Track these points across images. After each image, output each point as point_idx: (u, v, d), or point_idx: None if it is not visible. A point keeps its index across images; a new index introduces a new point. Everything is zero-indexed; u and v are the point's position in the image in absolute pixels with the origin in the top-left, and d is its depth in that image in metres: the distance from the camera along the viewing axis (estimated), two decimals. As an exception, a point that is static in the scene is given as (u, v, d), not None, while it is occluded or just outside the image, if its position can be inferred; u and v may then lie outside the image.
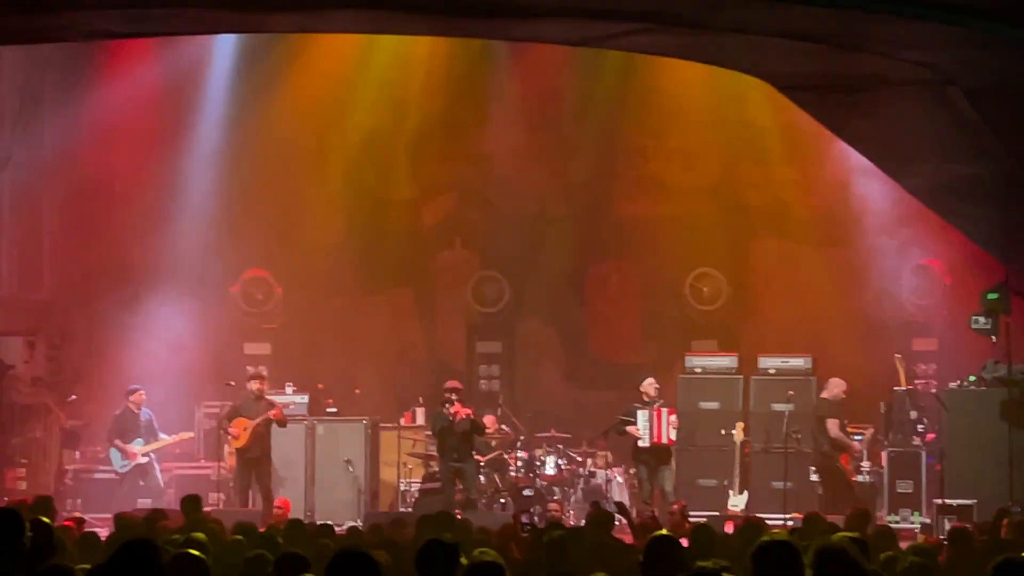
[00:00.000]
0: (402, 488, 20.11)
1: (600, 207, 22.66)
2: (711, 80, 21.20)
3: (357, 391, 21.64)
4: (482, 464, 19.31)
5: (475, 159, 22.60)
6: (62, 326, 21.78)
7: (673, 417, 18.79)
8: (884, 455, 19.12)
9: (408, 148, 22.57)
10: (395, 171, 22.67)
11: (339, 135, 22.27)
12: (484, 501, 19.03)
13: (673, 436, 18.77)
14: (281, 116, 22.09)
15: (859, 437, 19.38)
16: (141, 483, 19.37)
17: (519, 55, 21.83)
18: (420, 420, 21.00)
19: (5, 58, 20.70)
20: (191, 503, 13.56)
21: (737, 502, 19.12)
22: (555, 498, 18.98)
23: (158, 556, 5.27)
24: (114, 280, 21.69)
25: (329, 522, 13.93)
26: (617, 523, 12.48)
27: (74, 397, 20.99)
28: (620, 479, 20.10)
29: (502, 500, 19.25)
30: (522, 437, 20.26)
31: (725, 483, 19.51)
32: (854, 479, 19.01)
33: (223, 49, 21.99)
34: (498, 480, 19.57)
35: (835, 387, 19.06)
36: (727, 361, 20.68)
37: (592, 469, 20.17)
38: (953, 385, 18.93)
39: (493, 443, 19.98)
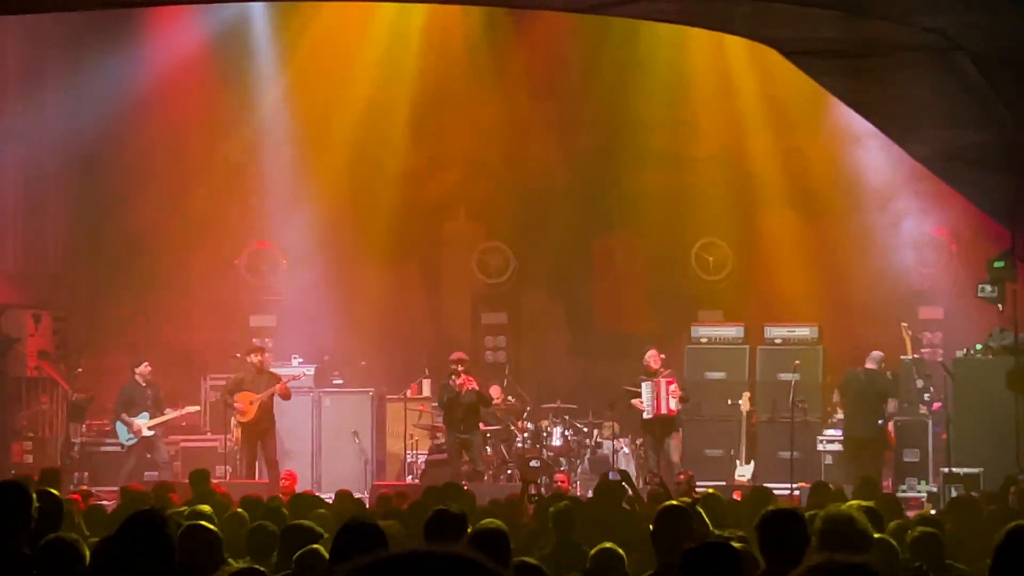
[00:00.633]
0: (408, 459, 20.13)
1: (605, 178, 22.59)
2: (717, 49, 21.12)
3: (363, 363, 21.63)
4: (488, 435, 19.31)
5: (480, 130, 22.52)
6: (68, 299, 21.77)
7: (674, 387, 18.72)
8: (891, 424, 19.09)
9: (412, 120, 22.49)
10: (400, 143, 22.59)
11: (344, 107, 22.20)
12: (491, 472, 19.04)
13: (674, 406, 18.70)
14: (285, 88, 22.04)
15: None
16: (148, 456, 19.39)
17: (523, 25, 21.75)
18: (426, 392, 21.01)
19: (8, 33, 20.64)
20: (199, 477, 13.58)
21: (744, 472, 19.11)
22: (561, 469, 18.99)
23: (167, 527, 5.25)
24: (120, 253, 21.67)
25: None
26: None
27: (80, 370, 20.99)
28: (627, 449, 20.09)
29: (509, 471, 19.26)
30: (528, 408, 20.26)
31: (732, 453, 19.49)
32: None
33: (226, 22, 21.91)
34: (504, 451, 19.58)
35: (881, 361, 18.84)
36: (733, 331, 20.65)
37: (599, 440, 20.16)
38: (960, 354, 18.87)
39: (499, 414, 19.97)
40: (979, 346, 18.58)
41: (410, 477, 19.70)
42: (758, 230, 22.32)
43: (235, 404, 18.72)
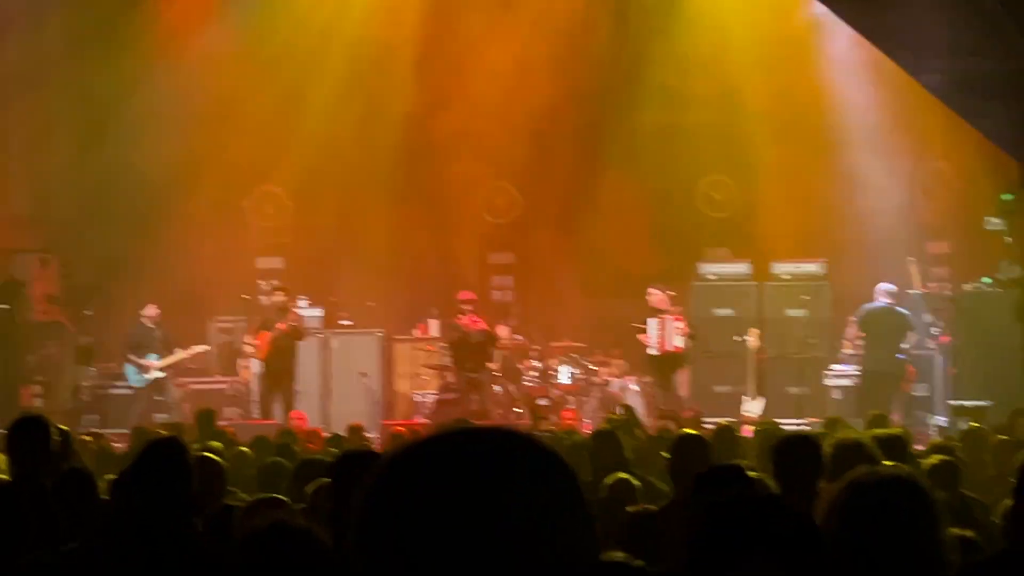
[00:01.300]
0: (417, 399, 20.17)
1: (610, 116, 22.51)
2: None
3: (371, 303, 21.64)
4: (496, 373, 19.35)
5: (483, 70, 22.41)
6: (75, 243, 21.75)
7: (680, 324, 18.70)
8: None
9: (416, 60, 22.40)
10: (404, 84, 22.50)
11: (347, 48, 22.12)
12: (500, 412, 19.10)
13: (679, 343, 18.69)
14: (287, 29, 21.96)
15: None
16: (157, 398, 19.45)
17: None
18: (434, 332, 21.03)
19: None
20: (205, 417, 13.63)
21: (752, 408, 19.14)
22: (570, 407, 19.04)
23: (186, 453, 5.28)
24: (126, 196, 21.64)
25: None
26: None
27: (88, 313, 21.02)
28: (635, 387, 20.12)
29: (517, 410, 19.32)
30: (536, 347, 20.28)
31: (740, 389, 19.53)
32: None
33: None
34: (513, 390, 19.62)
35: (895, 293, 18.66)
36: (740, 268, 20.64)
37: (607, 378, 20.20)
38: (967, 287, 18.86)
39: (506, 354, 20.00)
40: (986, 279, 18.56)
41: (419, 417, 19.74)
42: (764, 167, 22.21)
43: (253, 342, 18.73)
